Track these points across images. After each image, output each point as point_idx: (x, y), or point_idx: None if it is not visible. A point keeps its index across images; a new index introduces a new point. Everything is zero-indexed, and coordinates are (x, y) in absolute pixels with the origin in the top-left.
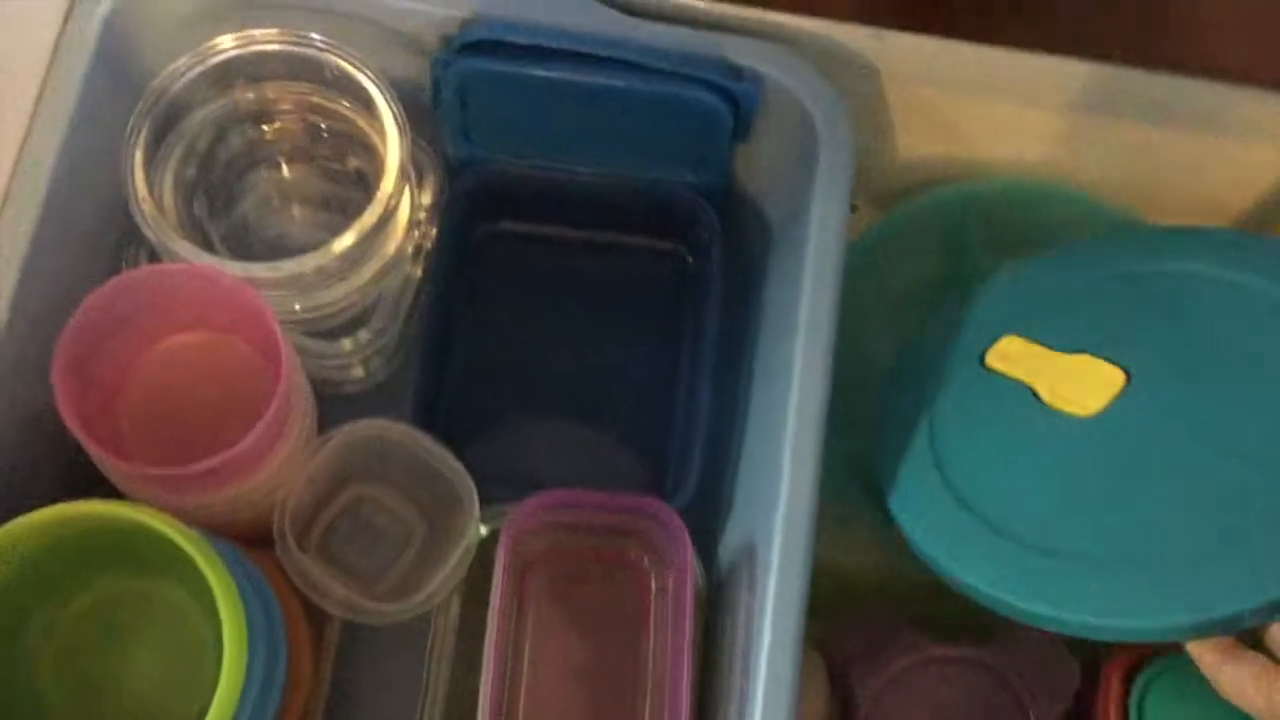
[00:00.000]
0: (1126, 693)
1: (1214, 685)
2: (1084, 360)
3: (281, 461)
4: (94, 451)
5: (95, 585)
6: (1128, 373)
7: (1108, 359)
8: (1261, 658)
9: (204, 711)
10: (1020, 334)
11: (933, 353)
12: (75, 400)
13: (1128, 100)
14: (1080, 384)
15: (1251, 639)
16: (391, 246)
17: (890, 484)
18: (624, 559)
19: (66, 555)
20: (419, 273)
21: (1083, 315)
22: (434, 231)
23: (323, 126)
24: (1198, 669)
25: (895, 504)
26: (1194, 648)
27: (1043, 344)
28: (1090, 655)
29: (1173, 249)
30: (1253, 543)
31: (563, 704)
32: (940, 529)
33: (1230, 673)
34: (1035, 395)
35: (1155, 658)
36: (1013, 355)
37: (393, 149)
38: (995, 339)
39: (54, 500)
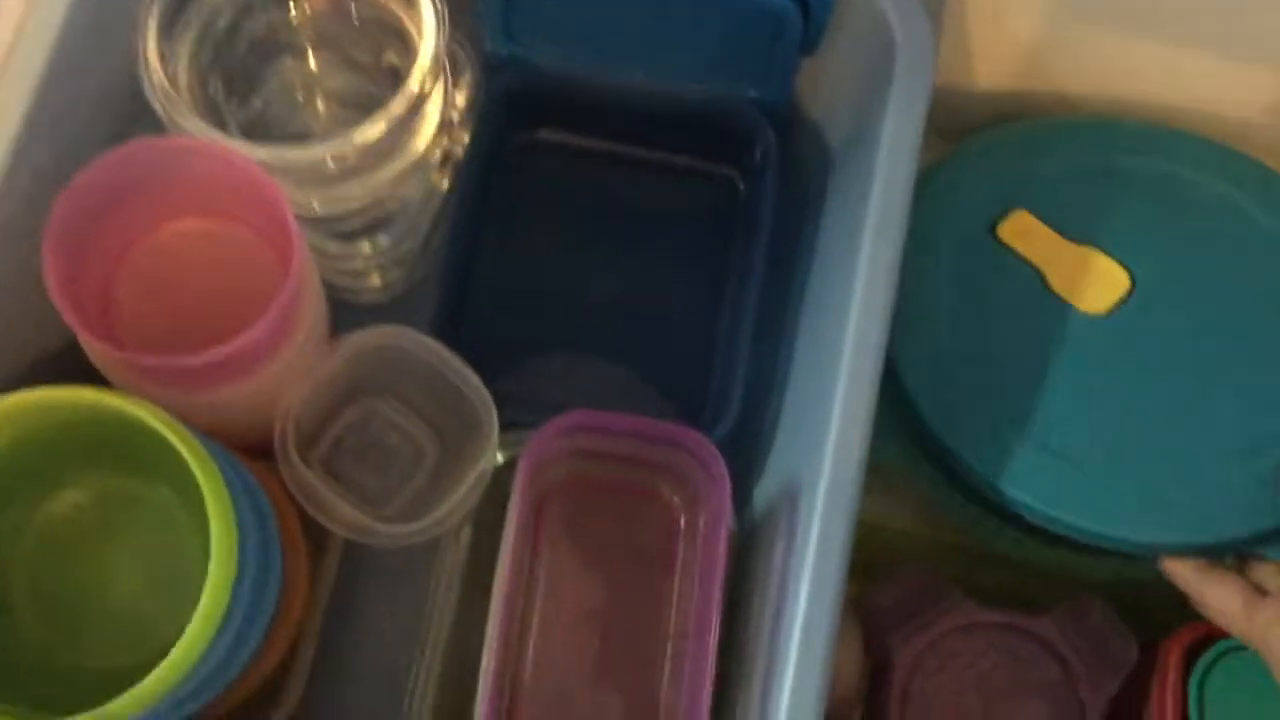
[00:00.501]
0: (1186, 674)
1: (1195, 603)
2: (1092, 254)
3: (287, 361)
4: (82, 335)
5: (74, 483)
6: (1132, 276)
7: (1114, 257)
8: (1240, 579)
9: (182, 629)
10: (1028, 209)
11: (939, 217)
12: (64, 277)
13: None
14: (1088, 279)
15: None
16: (420, 144)
17: (905, 354)
18: (652, 494)
19: (45, 447)
20: (446, 181)
21: (1089, 206)
22: (466, 138)
23: (354, 11)
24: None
25: (909, 376)
26: (1171, 565)
27: (1053, 226)
28: (1149, 633)
29: (1179, 155)
30: (1246, 474)
31: (575, 649)
32: (952, 408)
33: (1214, 593)
34: (1044, 281)
35: (1219, 639)
36: (1024, 232)
37: (429, 38)
38: (1006, 211)
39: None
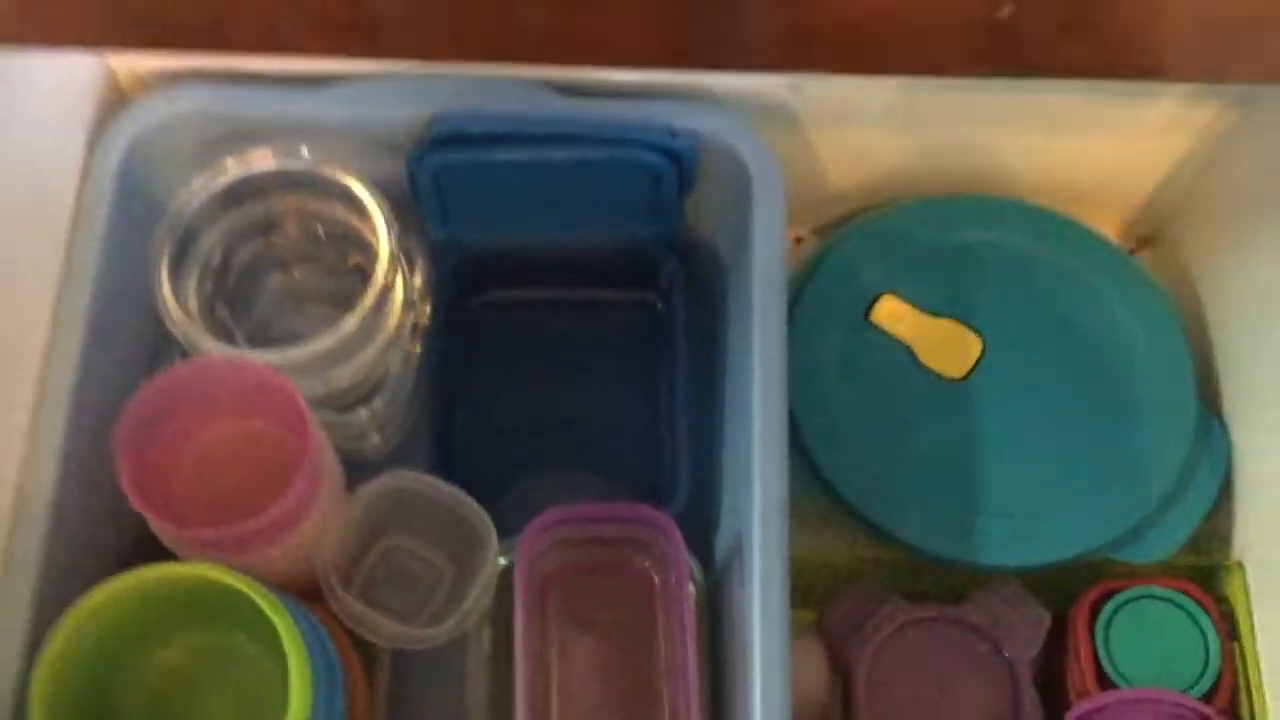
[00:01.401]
0: (1092, 630)
1: None
2: (950, 326)
3: (318, 519)
4: (156, 521)
5: (175, 641)
6: (983, 340)
7: (967, 324)
8: None
9: None
10: (894, 293)
11: (822, 308)
12: (134, 479)
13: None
14: (947, 348)
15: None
16: (392, 323)
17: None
18: (628, 566)
19: (150, 613)
20: (418, 348)
21: (942, 279)
22: (427, 309)
23: (321, 230)
24: (1151, 605)
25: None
26: None
27: (916, 305)
28: (1059, 601)
29: (997, 220)
30: (1087, 498)
31: (588, 702)
32: (847, 466)
33: None
34: (913, 354)
35: (1116, 595)
36: (892, 314)
37: (383, 241)
38: (877, 296)
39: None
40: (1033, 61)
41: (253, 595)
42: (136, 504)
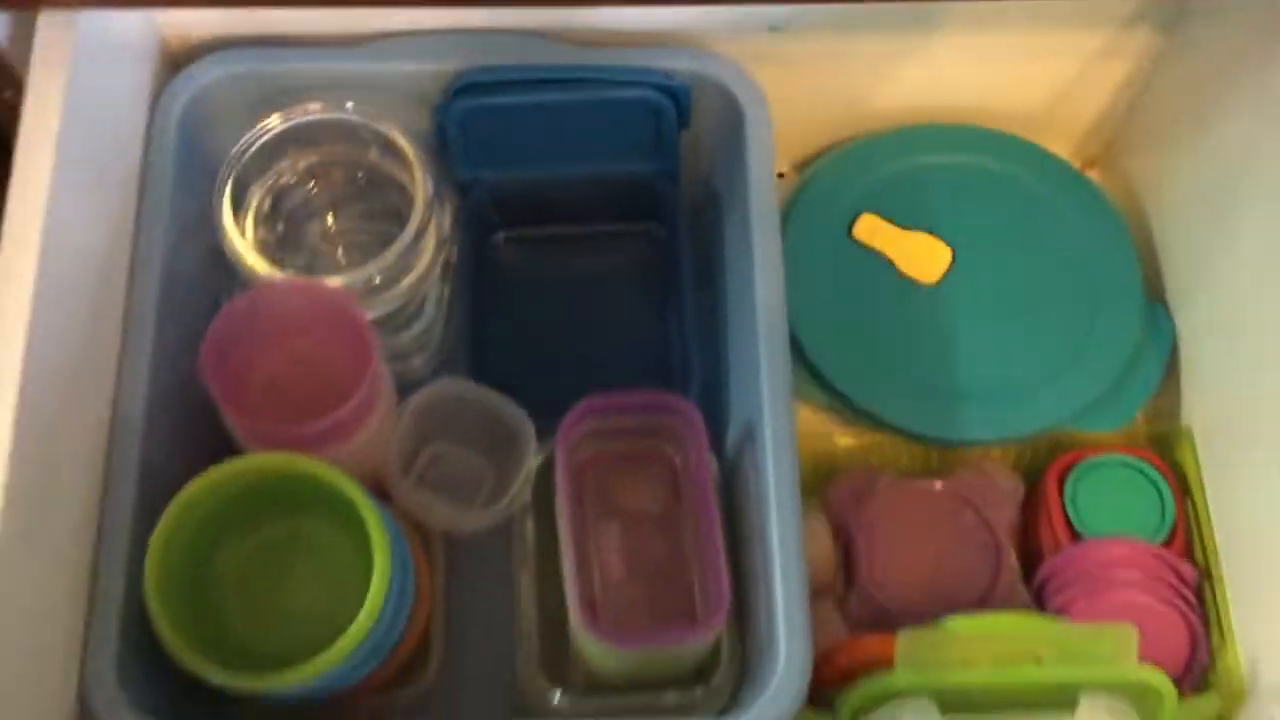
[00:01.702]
0: (1062, 494)
1: None
2: (922, 238)
3: (377, 423)
4: (242, 422)
5: (263, 527)
6: (953, 249)
7: (938, 235)
8: None
9: (350, 621)
10: (872, 212)
11: (808, 227)
12: (222, 389)
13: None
14: (922, 257)
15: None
16: (427, 256)
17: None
18: (654, 453)
19: (242, 502)
20: (449, 281)
21: (913, 198)
22: (455, 248)
23: (361, 177)
24: (1112, 469)
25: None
26: None
27: (891, 221)
28: (1032, 472)
29: (960, 145)
30: (1045, 381)
31: (627, 569)
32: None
33: None
34: (892, 264)
35: (1081, 462)
36: (872, 230)
37: (420, 183)
38: (856, 215)
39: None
40: None
41: (338, 481)
42: (227, 408)
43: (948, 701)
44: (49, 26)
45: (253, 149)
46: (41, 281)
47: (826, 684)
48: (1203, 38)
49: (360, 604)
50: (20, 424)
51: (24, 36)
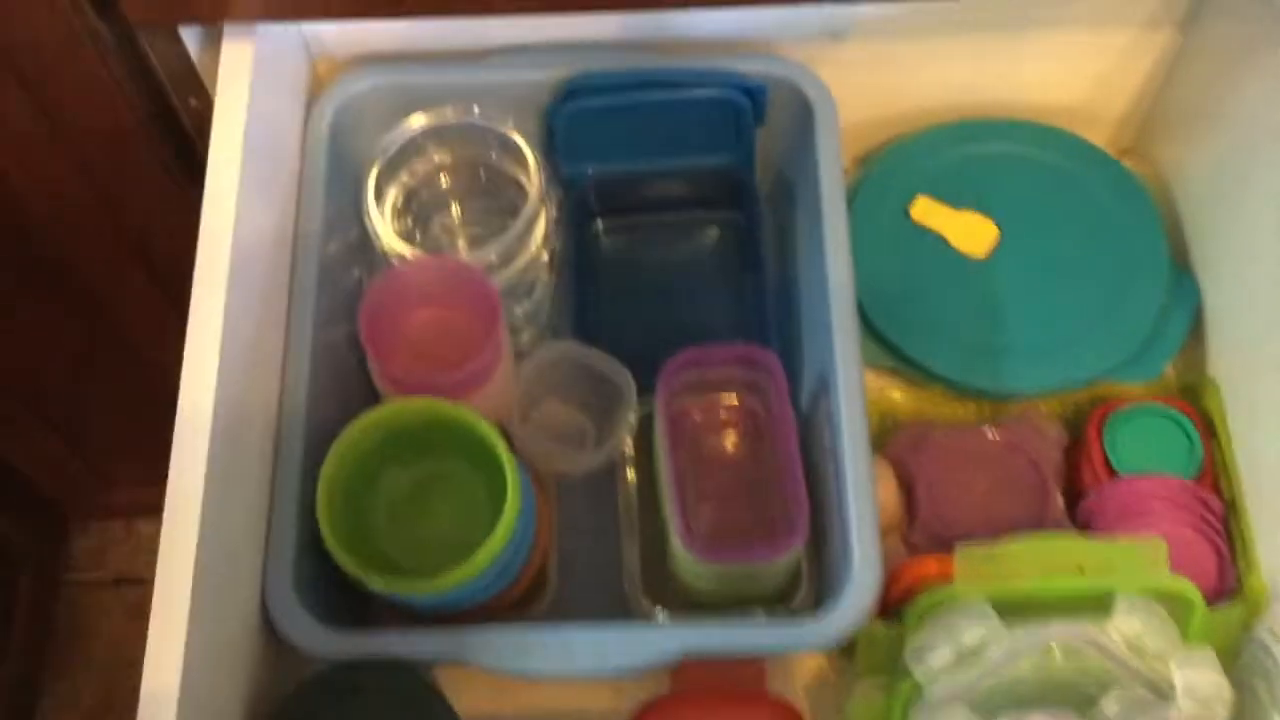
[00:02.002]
0: (1101, 436)
1: None
2: (973, 217)
3: (502, 376)
4: (392, 374)
5: (411, 465)
6: (1000, 227)
7: (986, 214)
8: None
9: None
10: (927, 194)
11: (872, 210)
12: (375, 345)
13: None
14: (972, 234)
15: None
16: (539, 238)
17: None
18: (740, 405)
19: (392, 442)
20: (554, 269)
21: (964, 183)
22: (560, 237)
23: (482, 173)
24: (1146, 417)
25: (872, 310)
26: None
27: (944, 202)
28: (1074, 417)
29: (1004, 136)
30: (1081, 338)
31: (719, 500)
32: (900, 326)
33: None
34: (946, 241)
35: (1118, 410)
36: (927, 211)
37: (534, 175)
38: (913, 198)
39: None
40: None
41: (475, 422)
42: (377, 361)
43: (1000, 608)
44: (233, 39)
45: (396, 146)
46: (234, 266)
47: (894, 602)
48: (1215, 34)
49: (491, 533)
50: (220, 385)
51: (208, 52)
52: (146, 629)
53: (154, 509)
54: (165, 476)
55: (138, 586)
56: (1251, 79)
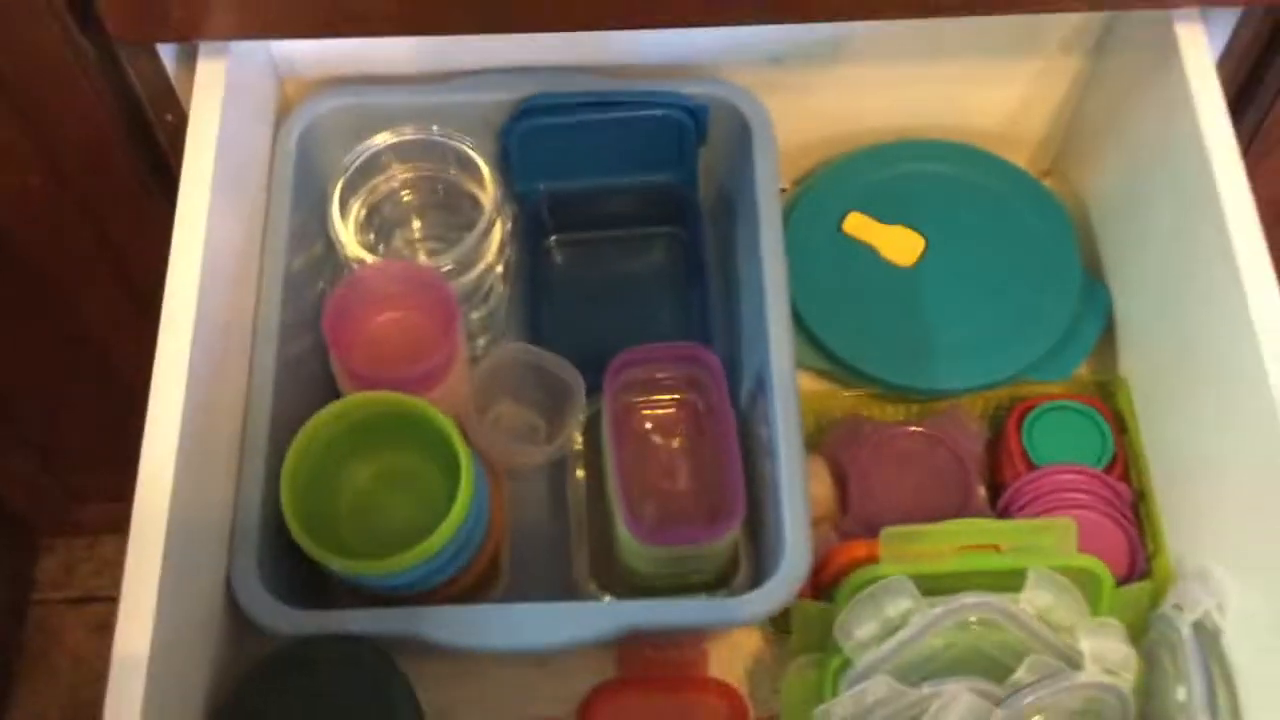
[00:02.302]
0: (1020, 431)
1: None
2: (901, 230)
3: (455, 378)
4: (355, 371)
5: (372, 459)
6: (926, 238)
7: (913, 228)
8: None
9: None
10: (859, 210)
11: (807, 224)
12: (338, 343)
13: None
14: (900, 245)
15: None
16: (494, 248)
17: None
18: (681, 401)
19: (354, 435)
20: (508, 279)
21: (894, 199)
22: (514, 250)
23: (440, 188)
24: (1062, 413)
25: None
26: None
27: (874, 218)
28: (995, 414)
29: (931, 156)
30: (999, 340)
31: (661, 484)
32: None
33: None
34: (877, 252)
35: (1036, 407)
36: (859, 226)
37: (489, 187)
38: (845, 213)
39: None
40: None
41: (430, 413)
42: (340, 358)
43: (923, 586)
44: (207, 58)
45: (359, 160)
46: (204, 273)
47: (827, 585)
48: (1118, 61)
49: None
50: (190, 383)
51: (184, 70)
52: (111, 645)
53: (121, 526)
54: (135, 492)
55: (102, 604)
56: (1148, 102)
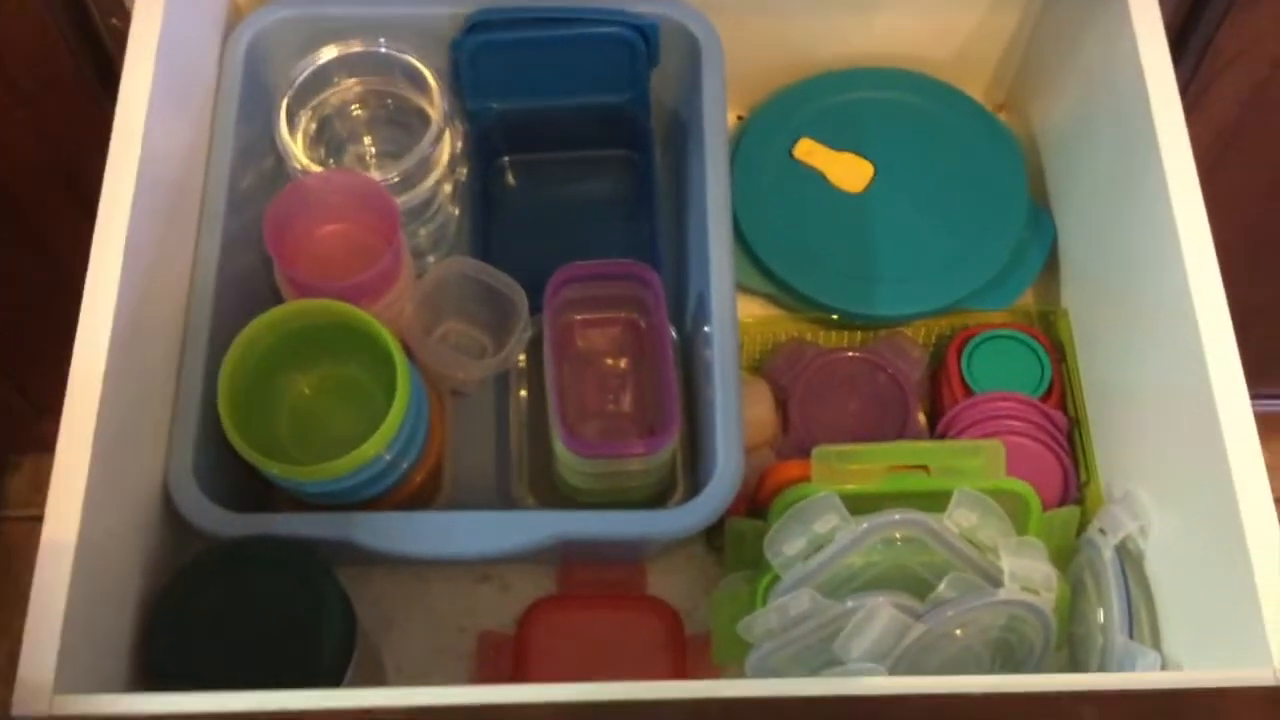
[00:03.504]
0: (960, 358)
1: None
2: (850, 157)
3: (401, 286)
4: (297, 279)
5: (310, 369)
6: (875, 165)
7: (863, 156)
8: None
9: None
10: (810, 136)
11: (757, 148)
12: (280, 252)
13: None
14: (849, 172)
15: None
16: (444, 161)
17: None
18: (622, 318)
19: (292, 343)
20: (459, 197)
21: (845, 126)
22: (464, 170)
23: (390, 103)
24: (1002, 341)
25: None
26: None
27: (825, 144)
28: (937, 342)
29: (884, 84)
30: (946, 267)
31: (599, 400)
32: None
33: None
34: (825, 178)
35: (977, 335)
36: (809, 151)
37: (437, 100)
38: (796, 139)
39: None
40: None
41: (368, 323)
42: (282, 268)
43: (853, 505)
44: None
45: (305, 73)
46: (141, 178)
47: (762, 503)
48: None
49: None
50: (122, 285)
51: None
52: None
53: None
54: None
55: None
56: (1093, 36)
